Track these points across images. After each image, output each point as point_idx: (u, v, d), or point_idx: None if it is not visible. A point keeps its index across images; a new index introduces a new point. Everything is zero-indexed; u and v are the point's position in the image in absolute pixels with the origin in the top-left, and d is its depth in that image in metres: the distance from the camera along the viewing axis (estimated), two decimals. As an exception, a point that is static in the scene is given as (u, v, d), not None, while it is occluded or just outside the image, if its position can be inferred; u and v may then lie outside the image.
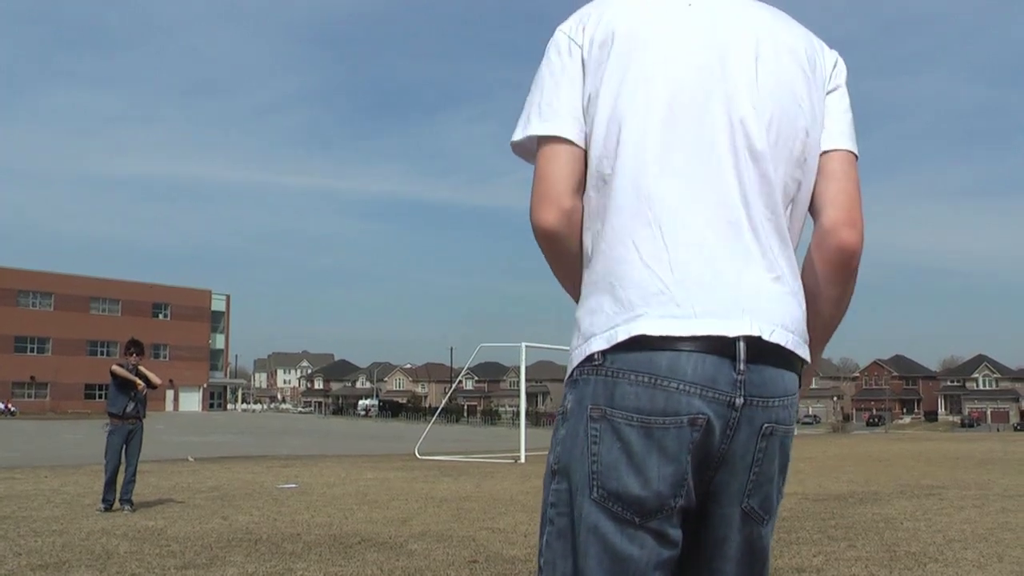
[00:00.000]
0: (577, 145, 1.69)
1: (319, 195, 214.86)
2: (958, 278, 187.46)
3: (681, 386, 1.53)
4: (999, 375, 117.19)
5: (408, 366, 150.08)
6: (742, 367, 1.56)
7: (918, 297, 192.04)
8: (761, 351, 1.58)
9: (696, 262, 1.59)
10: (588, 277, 1.69)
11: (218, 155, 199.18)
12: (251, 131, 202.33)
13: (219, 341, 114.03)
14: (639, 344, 1.55)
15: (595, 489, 1.56)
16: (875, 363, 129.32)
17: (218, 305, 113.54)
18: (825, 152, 1.76)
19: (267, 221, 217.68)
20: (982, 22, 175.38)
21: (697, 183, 1.64)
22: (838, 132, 1.79)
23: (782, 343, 1.60)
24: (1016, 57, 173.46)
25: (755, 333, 1.57)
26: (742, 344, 1.56)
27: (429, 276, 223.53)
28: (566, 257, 1.75)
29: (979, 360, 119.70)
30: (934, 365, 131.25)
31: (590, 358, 1.60)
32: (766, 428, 1.60)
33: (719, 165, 1.65)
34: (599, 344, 1.59)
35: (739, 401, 1.56)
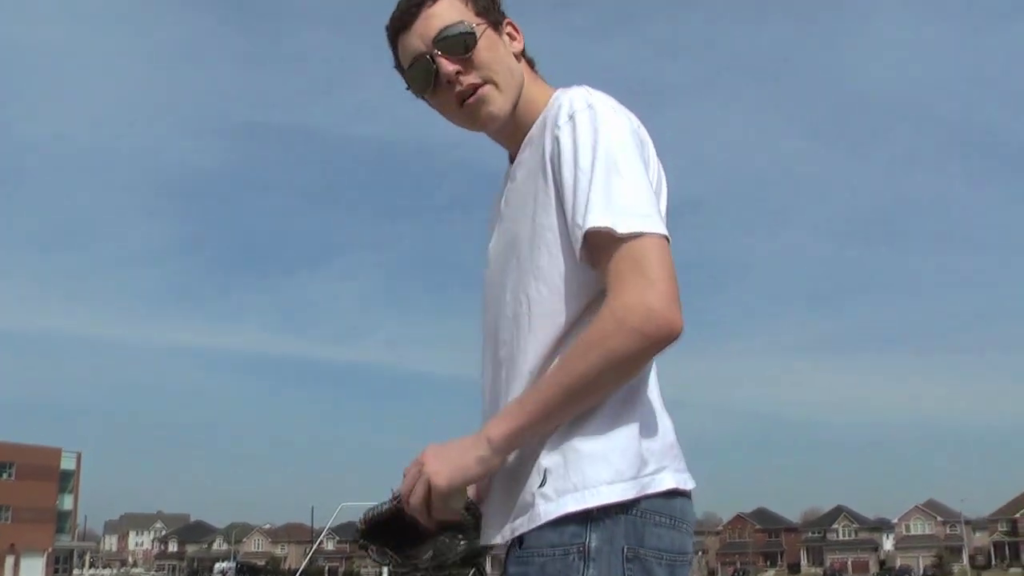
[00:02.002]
0: None
1: (176, 350, 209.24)
2: (816, 430, 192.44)
3: (688, 528, 1.67)
4: (858, 525, 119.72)
5: (267, 526, 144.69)
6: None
7: (777, 450, 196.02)
8: None
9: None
10: (621, 412, 1.64)
11: (71, 308, 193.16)
12: (108, 284, 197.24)
13: (67, 502, 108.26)
14: (665, 492, 1.64)
15: None
16: (738, 516, 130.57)
17: (68, 463, 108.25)
18: None
19: (122, 376, 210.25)
20: (829, 182, 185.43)
21: None
22: None
23: None
24: (861, 216, 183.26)
25: None
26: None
27: (289, 433, 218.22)
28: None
29: (838, 511, 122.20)
30: (795, 517, 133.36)
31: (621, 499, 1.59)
32: None
33: None
34: (633, 490, 1.59)
35: None
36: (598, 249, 1.61)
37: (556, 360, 1.66)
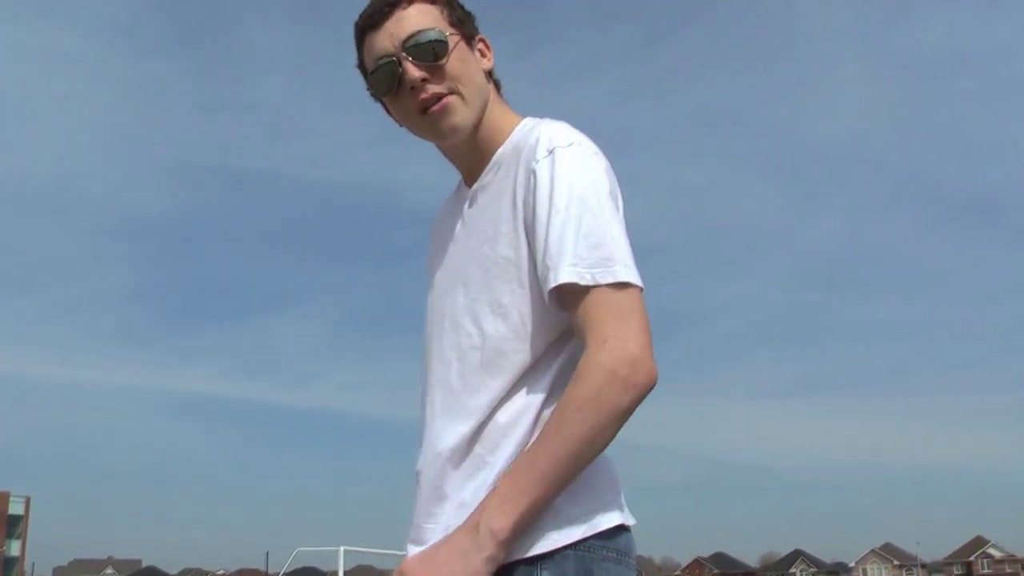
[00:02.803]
0: None
1: (129, 394, 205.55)
2: (774, 474, 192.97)
3: (632, 562, 1.63)
4: (815, 569, 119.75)
5: (221, 572, 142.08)
6: None
7: (735, 493, 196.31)
8: None
9: None
10: None
11: (21, 351, 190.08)
12: (61, 327, 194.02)
13: (15, 548, 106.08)
14: (611, 528, 1.60)
15: None
16: (696, 560, 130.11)
17: (16, 508, 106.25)
18: None
19: (73, 419, 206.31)
20: (784, 232, 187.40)
21: None
22: None
23: None
24: (817, 263, 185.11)
25: None
26: None
27: (244, 476, 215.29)
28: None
29: (796, 555, 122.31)
30: (753, 561, 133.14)
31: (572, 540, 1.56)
32: None
33: None
34: (580, 531, 1.56)
35: None
36: (574, 294, 1.56)
37: (532, 424, 1.60)
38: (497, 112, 1.82)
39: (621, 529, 1.62)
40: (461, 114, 1.73)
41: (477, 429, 1.62)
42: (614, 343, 1.50)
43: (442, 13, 1.77)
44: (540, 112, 1.80)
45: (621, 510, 1.63)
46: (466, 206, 1.81)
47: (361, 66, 1.81)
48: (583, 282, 1.53)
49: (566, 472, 1.49)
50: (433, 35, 1.72)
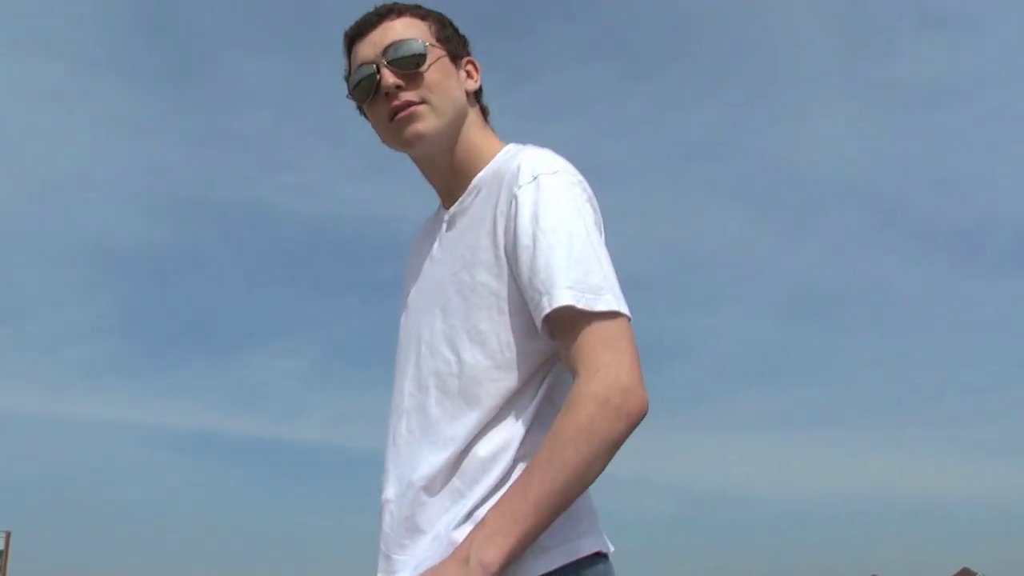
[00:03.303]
0: None
1: (115, 427, 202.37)
2: (760, 506, 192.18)
3: None
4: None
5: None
6: None
7: (723, 525, 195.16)
8: None
9: None
10: None
11: (2, 384, 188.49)
12: (43, 360, 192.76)
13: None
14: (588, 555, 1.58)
15: None
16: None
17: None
18: None
19: (56, 453, 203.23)
20: (769, 263, 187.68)
21: None
22: None
23: None
24: (800, 295, 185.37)
25: None
26: None
27: (231, 511, 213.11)
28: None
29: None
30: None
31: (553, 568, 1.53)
32: None
33: None
34: (559, 559, 1.53)
35: None
36: (564, 321, 1.52)
37: (512, 459, 1.57)
38: (479, 135, 1.80)
39: (599, 556, 1.58)
40: (427, 123, 1.72)
41: (455, 459, 1.58)
42: (606, 372, 1.47)
43: (430, 28, 1.79)
44: (524, 143, 1.78)
45: (599, 537, 1.60)
46: (444, 228, 1.78)
47: (347, 76, 1.83)
48: (579, 305, 1.50)
49: (558, 503, 1.45)
50: (414, 46, 1.74)
